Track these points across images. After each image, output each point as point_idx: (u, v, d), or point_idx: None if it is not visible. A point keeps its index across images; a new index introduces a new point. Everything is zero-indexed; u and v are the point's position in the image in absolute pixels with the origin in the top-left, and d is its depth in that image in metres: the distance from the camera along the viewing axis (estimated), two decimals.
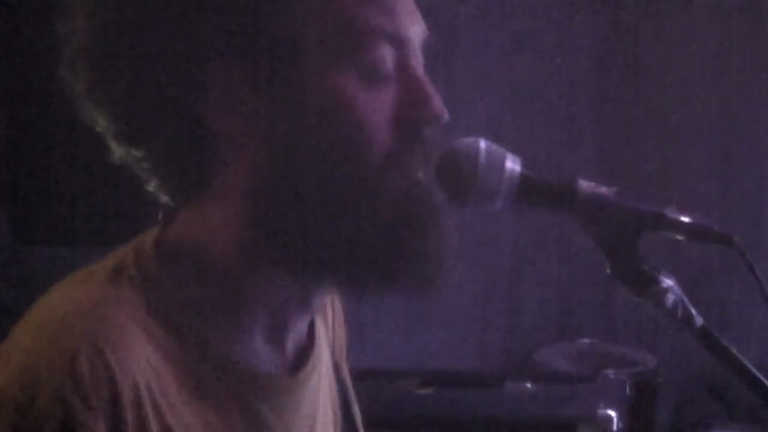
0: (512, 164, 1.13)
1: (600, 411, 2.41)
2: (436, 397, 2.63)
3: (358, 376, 1.98)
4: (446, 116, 1.03)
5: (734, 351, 1.10)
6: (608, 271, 1.12)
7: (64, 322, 0.97)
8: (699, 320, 1.10)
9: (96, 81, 1.03)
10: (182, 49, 0.99)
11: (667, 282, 1.10)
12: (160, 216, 1.10)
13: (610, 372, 2.67)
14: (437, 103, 1.03)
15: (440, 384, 2.65)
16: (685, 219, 1.13)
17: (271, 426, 1.12)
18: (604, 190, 1.14)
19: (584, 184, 1.13)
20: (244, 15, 0.99)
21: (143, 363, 0.99)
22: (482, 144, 1.11)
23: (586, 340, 2.93)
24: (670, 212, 1.12)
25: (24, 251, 3.30)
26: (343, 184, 1.01)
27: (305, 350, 1.14)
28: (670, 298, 1.11)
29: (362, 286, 1.07)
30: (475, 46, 3.37)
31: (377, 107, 1.03)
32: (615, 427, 2.41)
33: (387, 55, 1.03)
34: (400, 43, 1.03)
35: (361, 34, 1.01)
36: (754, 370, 1.12)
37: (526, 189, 1.13)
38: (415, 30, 1.04)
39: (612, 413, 2.41)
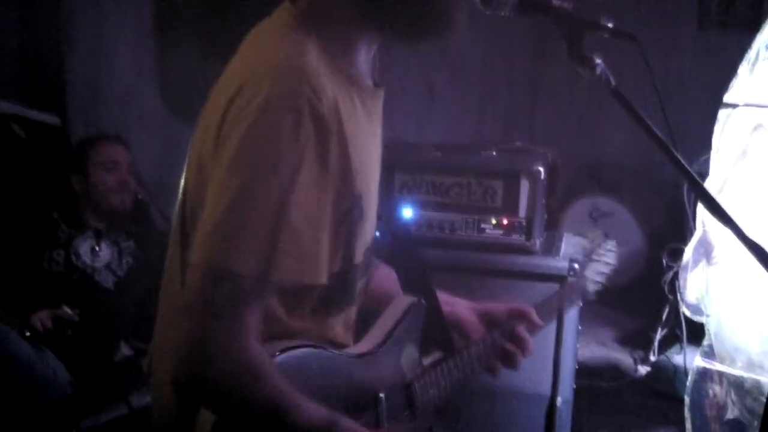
0: None
1: (534, 166, 3.36)
2: (443, 157, 3.59)
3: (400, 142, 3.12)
4: None
5: (635, 107, 1.53)
6: (567, 54, 1.55)
7: (286, 68, 1.43)
8: (613, 82, 1.56)
9: None
10: None
11: (597, 60, 1.56)
12: None
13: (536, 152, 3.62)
14: None
15: (445, 150, 3.66)
16: (610, 24, 1.58)
17: (371, 118, 1.60)
18: (566, 4, 1.58)
19: (556, 1, 1.58)
20: None
21: (326, 85, 1.45)
22: None
23: (519, 143, 3.97)
24: (602, 20, 1.58)
25: None
26: None
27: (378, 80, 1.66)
28: (599, 69, 1.56)
29: (410, 35, 1.54)
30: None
31: None
32: (542, 177, 3.36)
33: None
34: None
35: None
36: (650, 124, 1.53)
37: (524, 2, 1.59)
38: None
39: (541, 168, 3.36)
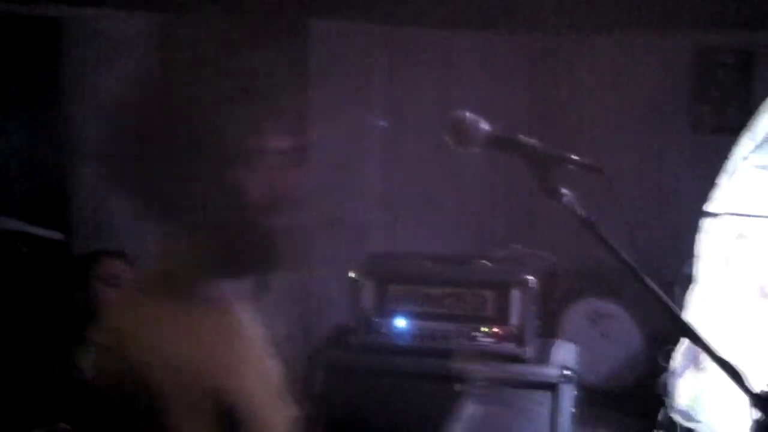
0: (484, 125, 1.64)
1: (525, 276, 3.39)
2: (438, 268, 3.65)
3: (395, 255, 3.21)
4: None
5: (604, 234, 1.60)
6: (536, 185, 1.59)
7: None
8: (582, 212, 1.61)
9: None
10: None
11: (565, 191, 1.61)
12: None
13: (533, 258, 3.77)
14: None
15: (437, 260, 3.72)
16: (576, 157, 1.62)
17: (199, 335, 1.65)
18: (533, 141, 1.63)
19: (522, 138, 1.65)
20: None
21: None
22: (468, 113, 1.63)
23: (519, 246, 4.07)
24: (567, 154, 1.62)
25: None
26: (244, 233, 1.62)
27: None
28: (566, 199, 1.61)
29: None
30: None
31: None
32: (533, 286, 3.38)
33: None
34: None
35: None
36: (619, 250, 1.59)
37: (492, 140, 1.65)
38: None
39: (531, 278, 3.40)
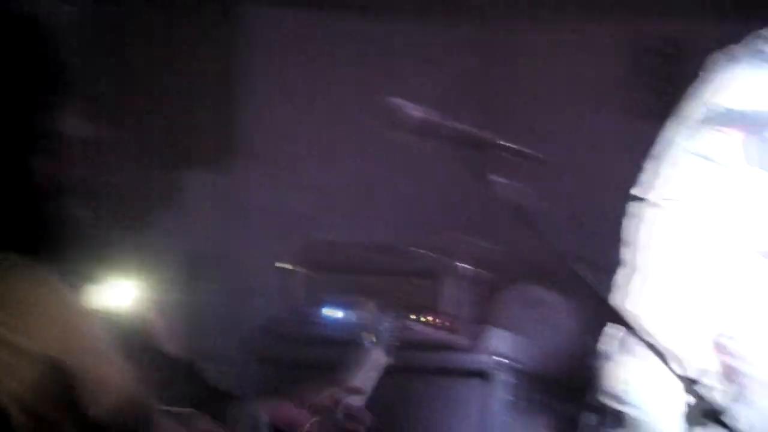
0: (415, 111, 1.72)
1: (459, 264, 3.56)
2: (370, 257, 3.77)
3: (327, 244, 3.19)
4: None
5: (535, 222, 1.67)
6: (468, 172, 1.64)
7: None
8: (514, 199, 1.68)
9: None
10: None
11: (496, 178, 1.69)
12: None
13: (468, 246, 3.79)
14: None
15: (370, 249, 3.83)
16: (508, 144, 1.70)
17: None
18: (464, 126, 1.71)
19: (453, 123, 1.71)
20: None
21: None
22: (397, 99, 1.71)
23: (453, 233, 4.02)
24: (498, 140, 1.70)
25: None
26: None
27: None
28: (497, 186, 1.69)
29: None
30: None
31: None
32: (467, 274, 3.55)
33: None
34: None
35: None
36: (549, 236, 1.67)
37: (423, 126, 1.72)
38: None
39: (465, 266, 3.57)
